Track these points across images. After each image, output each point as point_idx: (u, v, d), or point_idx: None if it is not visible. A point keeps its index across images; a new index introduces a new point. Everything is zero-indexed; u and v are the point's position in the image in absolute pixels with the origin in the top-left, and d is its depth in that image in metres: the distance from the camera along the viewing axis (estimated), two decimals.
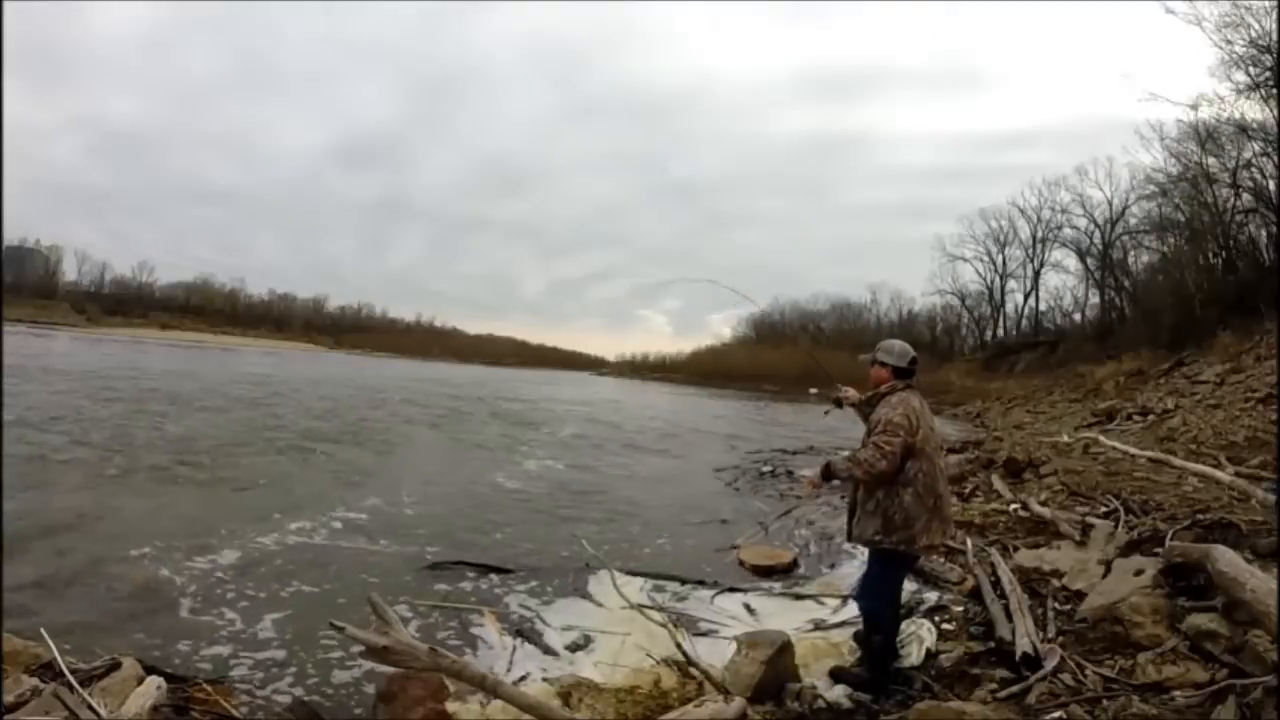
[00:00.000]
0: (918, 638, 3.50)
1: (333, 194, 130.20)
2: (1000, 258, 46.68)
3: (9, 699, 2.28)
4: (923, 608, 4.00)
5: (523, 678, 3.31)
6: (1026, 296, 45.68)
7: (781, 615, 4.25)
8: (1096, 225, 38.62)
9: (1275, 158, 20.27)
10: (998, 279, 47.16)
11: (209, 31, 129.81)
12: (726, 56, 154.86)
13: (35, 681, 2.44)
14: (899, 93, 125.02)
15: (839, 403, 3.39)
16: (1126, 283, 34.65)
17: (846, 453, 3.18)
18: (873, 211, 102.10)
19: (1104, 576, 3.76)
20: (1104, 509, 5.45)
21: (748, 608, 4.43)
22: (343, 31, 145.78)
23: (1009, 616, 3.52)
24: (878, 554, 3.18)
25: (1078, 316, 41.10)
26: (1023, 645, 3.10)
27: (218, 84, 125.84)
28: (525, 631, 3.96)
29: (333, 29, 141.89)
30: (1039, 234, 43.89)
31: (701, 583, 4.87)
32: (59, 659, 2.59)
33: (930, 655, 3.40)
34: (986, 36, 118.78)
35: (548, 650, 3.73)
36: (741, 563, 5.48)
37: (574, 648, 3.75)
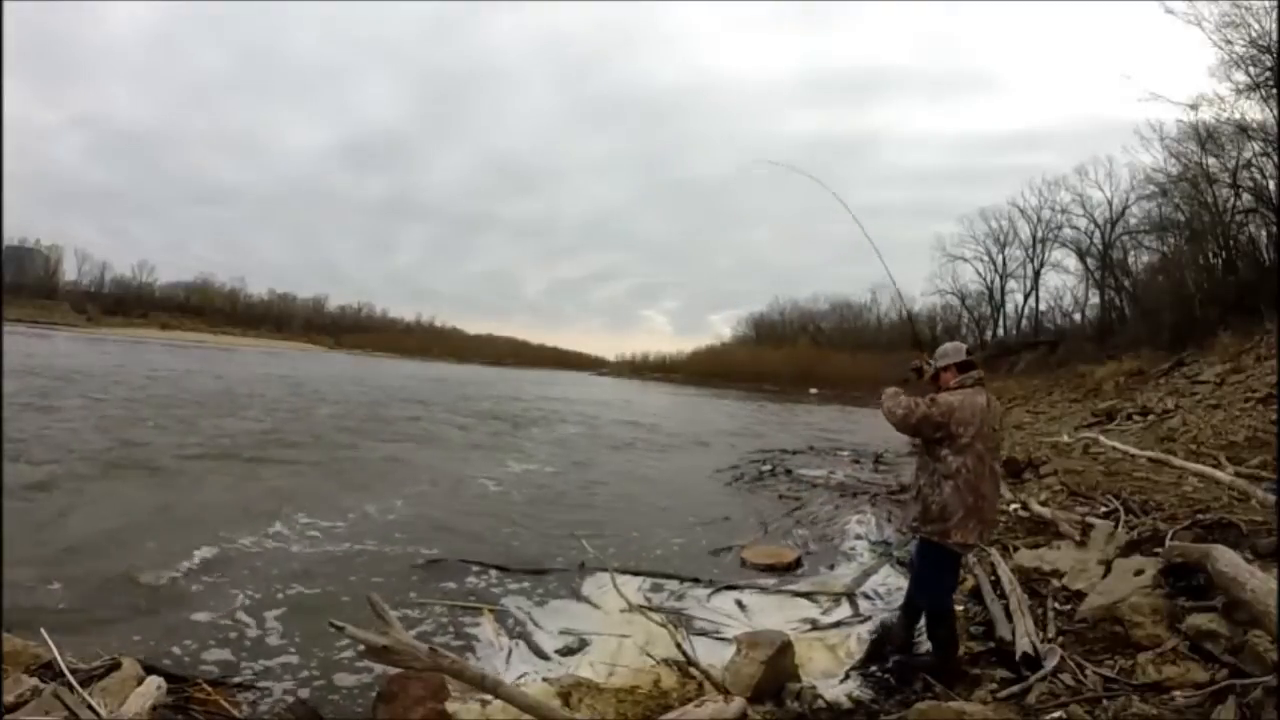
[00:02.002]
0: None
1: (337, 194, 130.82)
2: (1000, 258, 46.62)
3: (9, 699, 2.28)
4: None
5: (521, 677, 3.31)
6: (1026, 296, 45.63)
7: (781, 614, 4.26)
8: (1096, 225, 38.59)
9: (1275, 158, 20.23)
10: (998, 279, 47.10)
11: (215, 30, 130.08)
12: (734, 57, 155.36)
13: (35, 681, 2.44)
14: (903, 94, 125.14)
15: (919, 371, 3.39)
16: (1126, 283, 34.60)
17: (897, 396, 3.20)
18: (876, 212, 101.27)
19: (1104, 576, 3.76)
20: (1104, 509, 5.45)
21: (744, 607, 4.43)
22: (350, 31, 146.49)
23: (1009, 616, 3.52)
24: (922, 550, 3.23)
25: (1078, 316, 41.05)
26: (1023, 645, 3.10)
27: (223, 83, 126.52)
28: (523, 632, 3.95)
29: (340, 28, 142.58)
30: (1039, 234, 43.84)
31: (698, 581, 4.87)
32: (59, 659, 2.59)
33: None
34: (990, 38, 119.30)
35: (546, 650, 3.72)
36: (743, 562, 5.48)
37: (573, 648, 3.75)
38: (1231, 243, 22.92)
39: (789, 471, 10.42)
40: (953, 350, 3.25)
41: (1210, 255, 23.83)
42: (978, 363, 3.25)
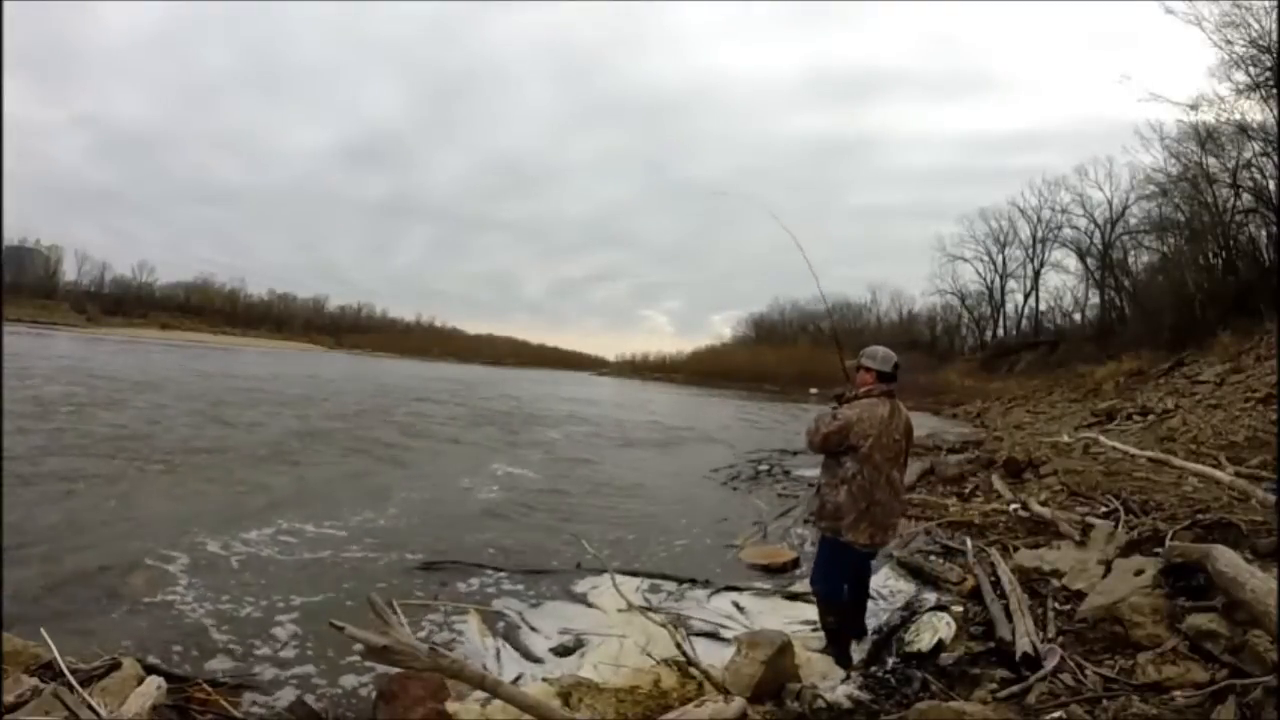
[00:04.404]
0: (932, 626, 3.53)
1: (337, 194, 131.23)
2: (1000, 258, 46.79)
3: (9, 699, 2.28)
4: (924, 608, 4.00)
5: (518, 677, 3.31)
6: (1026, 296, 45.76)
7: (780, 615, 4.25)
8: (1096, 225, 38.68)
9: (1275, 158, 20.25)
10: (998, 279, 47.27)
11: (218, 30, 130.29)
12: (735, 58, 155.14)
13: (35, 681, 2.44)
14: (904, 95, 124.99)
15: (840, 398, 3.59)
16: (1126, 283, 34.64)
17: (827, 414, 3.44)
18: (878, 213, 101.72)
19: (1104, 576, 3.76)
20: (1104, 509, 5.45)
21: (743, 608, 4.43)
22: (351, 31, 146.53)
23: (1009, 616, 3.52)
24: (821, 540, 3.51)
25: (1078, 316, 41.17)
26: (1023, 645, 3.10)
27: (224, 83, 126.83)
28: (522, 632, 3.95)
29: (341, 28, 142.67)
30: (1039, 234, 43.99)
31: (694, 581, 4.86)
32: (59, 659, 2.59)
33: (941, 646, 3.41)
34: (990, 38, 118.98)
35: (544, 650, 3.72)
36: (742, 563, 5.48)
37: (571, 648, 3.75)
38: (1231, 243, 22.94)
39: (787, 472, 10.42)
40: (881, 358, 3.39)
41: (1210, 255, 23.85)
42: (896, 378, 3.42)
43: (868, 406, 3.28)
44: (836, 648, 3.50)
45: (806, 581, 4.97)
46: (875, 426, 3.24)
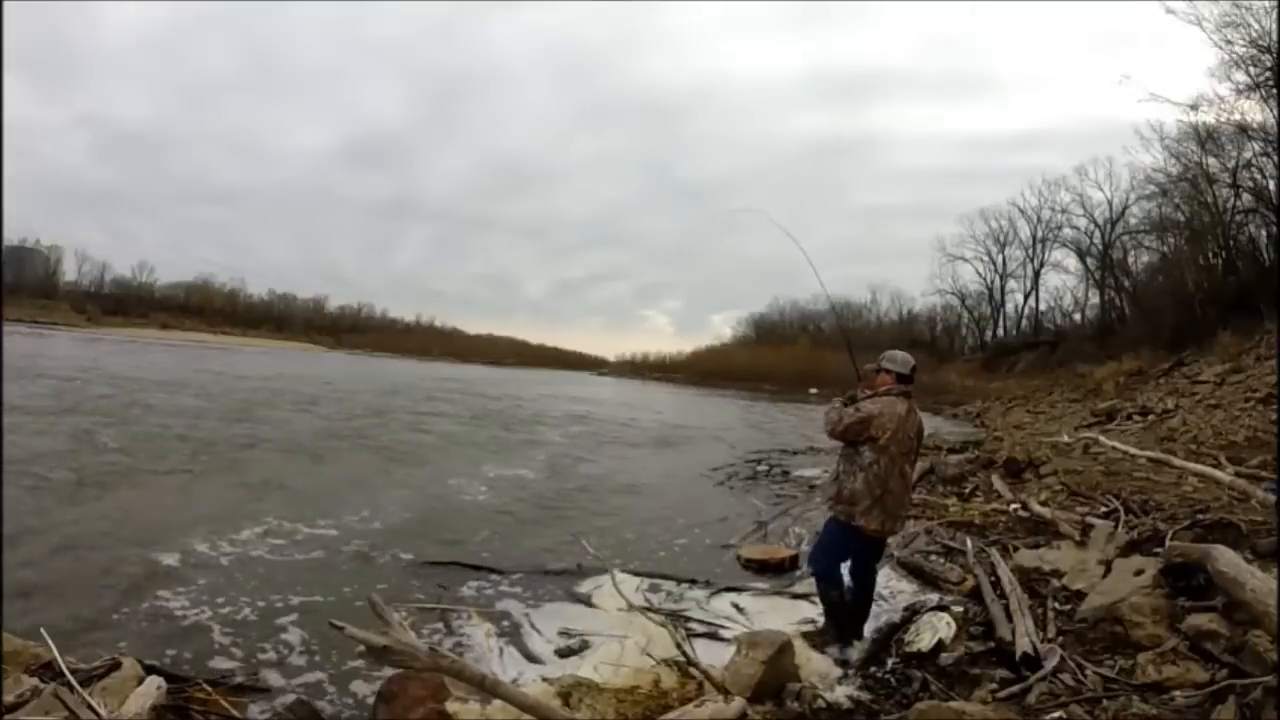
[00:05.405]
0: (932, 626, 3.54)
1: (338, 194, 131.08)
2: (1000, 258, 46.77)
3: (9, 699, 2.28)
4: (924, 609, 4.00)
5: (519, 677, 3.31)
6: (1026, 296, 45.74)
7: (780, 615, 4.25)
8: (1096, 225, 38.66)
9: (1275, 158, 20.26)
10: (998, 279, 47.24)
11: (219, 30, 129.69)
12: (736, 58, 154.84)
13: (35, 681, 2.44)
14: (905, 95, 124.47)
15: (851, 399, 3.75)
16: (1126, 283, 34.67)
17: (848, 407, 3.60)
18: (878, 213, 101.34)
19: (1104, 576, 3.77)
20: (1104, 509, 5.45)
21: (741, 608, 4.43)
22: (352, 31, 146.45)
23: (1009, 616, 3.52)
24: (829, 522, 3.66)
25: (1078, 316, 41.15)
26: (1023, 645, 3.10)
27: (225, 83, 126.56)
28: (522, 632, 3.95)
29: (342, 29, 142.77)
30: (1039, 234, 43.96)
31: (695, 581, 4.86)
32: (59, 659, 2.59)
33: (941, 646, 3.41)
34: (990, 38, 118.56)
35: (545, 651, 3.72)
36: (740, 560, 5.48)
37: (572, 649, 3.75)
38: (1231, 243, 22.97)
39: (785, 472, 10.42)
40: (901, 362, 3.60)
41: (1210, 255, 23.88)
42: (914, 380, 3.62)
43: (888, 403, 3.47)
44: (837, 623, 3.60)
45: (807, 580, 4.99)
46: (893, 422, 3.42)
